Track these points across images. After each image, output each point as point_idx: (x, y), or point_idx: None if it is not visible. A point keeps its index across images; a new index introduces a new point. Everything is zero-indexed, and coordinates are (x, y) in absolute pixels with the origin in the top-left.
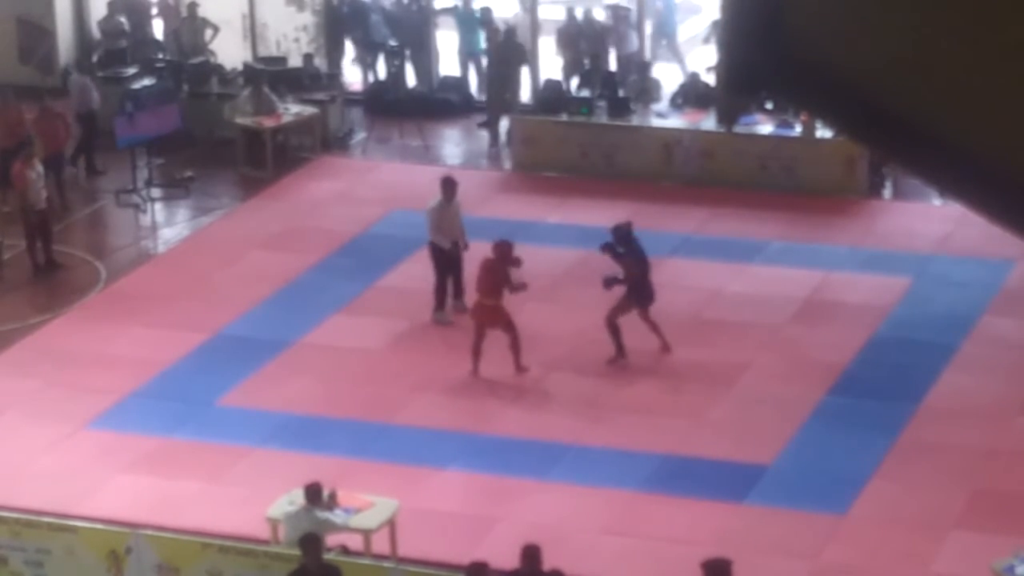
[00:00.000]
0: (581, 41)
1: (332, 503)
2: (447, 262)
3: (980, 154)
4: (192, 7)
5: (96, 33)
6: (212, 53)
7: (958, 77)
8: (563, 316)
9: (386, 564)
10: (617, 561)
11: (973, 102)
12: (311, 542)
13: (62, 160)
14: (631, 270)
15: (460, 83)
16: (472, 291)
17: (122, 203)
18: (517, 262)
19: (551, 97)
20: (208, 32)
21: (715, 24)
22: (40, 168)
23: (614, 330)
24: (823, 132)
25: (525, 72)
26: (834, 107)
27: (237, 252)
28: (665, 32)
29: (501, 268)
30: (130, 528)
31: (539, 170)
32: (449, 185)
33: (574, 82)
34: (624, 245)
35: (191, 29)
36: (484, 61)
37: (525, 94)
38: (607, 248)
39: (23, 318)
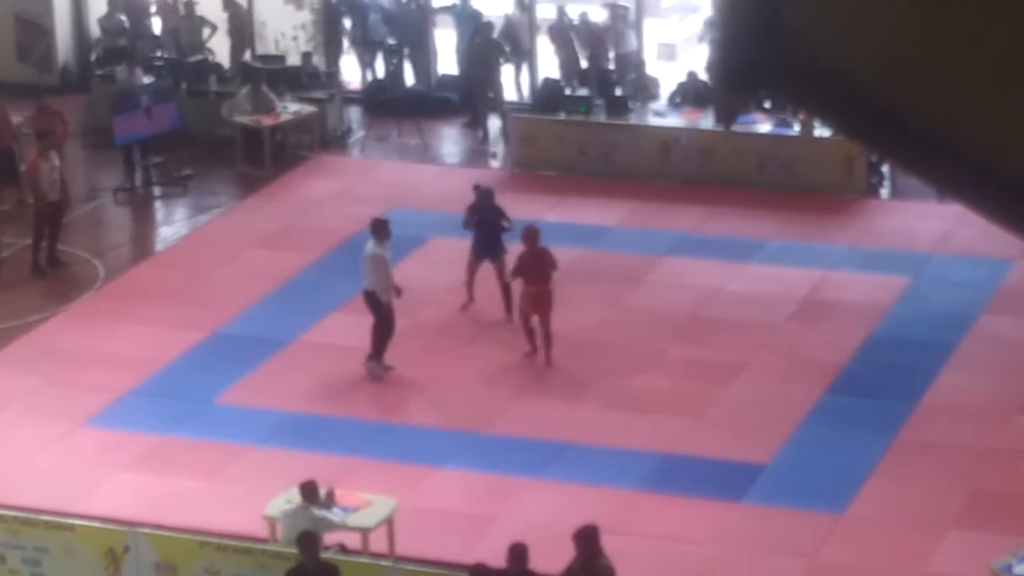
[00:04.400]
0: (576, 40)
1: (330, 501)
2: (385, 316)
3: (979, 154)
4: (190, 6)
5: (96, 30)
6: (210, 51)
7: (958, 76)
8: (560, 314)
9: (384, 563)
10: (615, 560)
11: (973, 101)
12: (309, 540)
13: (60, 157)
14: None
15: (458, 82)
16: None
17: (120, 201)
18: (552, 265)
19: (549, 96)
20: (206, 30)
21: (710, 22)
22: (56, 160)
23: (506, 290)
24: (821, 131)
25: (509, 69)
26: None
27: (235, 250)
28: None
29: (541, 259)
30: (128, 526)
31: (537, 169)
32: (381, 227)
33: (572, 81)
34: (487, 206)
35: (189, 27)
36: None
37: (519, 93)
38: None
39: (22, 316)
